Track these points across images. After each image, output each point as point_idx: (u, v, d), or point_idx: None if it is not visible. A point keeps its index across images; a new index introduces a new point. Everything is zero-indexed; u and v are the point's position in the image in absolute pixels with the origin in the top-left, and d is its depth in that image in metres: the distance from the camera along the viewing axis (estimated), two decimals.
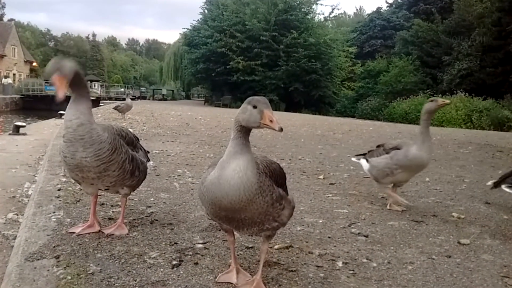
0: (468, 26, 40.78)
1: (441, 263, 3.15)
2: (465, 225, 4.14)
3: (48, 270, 2.60)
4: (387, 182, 4.61)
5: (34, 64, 74.92)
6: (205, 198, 2.34)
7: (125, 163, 3.13)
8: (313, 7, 48.88)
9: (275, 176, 2.47)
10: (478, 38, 38.27)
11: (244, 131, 2.22)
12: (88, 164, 2.96)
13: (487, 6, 38.52)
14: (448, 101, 4.58)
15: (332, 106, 49.22)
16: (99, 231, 3.28)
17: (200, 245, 3.16)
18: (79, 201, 4.13)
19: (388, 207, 4.61)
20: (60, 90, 2.75)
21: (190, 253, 3.00)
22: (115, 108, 15.79)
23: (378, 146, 4.90)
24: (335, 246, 3.37)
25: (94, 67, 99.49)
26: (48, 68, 2.80)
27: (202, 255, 2.98)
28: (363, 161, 4.99)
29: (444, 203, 5.00)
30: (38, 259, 2.75)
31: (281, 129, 2.12)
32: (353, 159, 5.32)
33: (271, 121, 2.13)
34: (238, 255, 3.03)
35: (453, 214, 4.39)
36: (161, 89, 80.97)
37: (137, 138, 3.62)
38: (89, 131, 2.92)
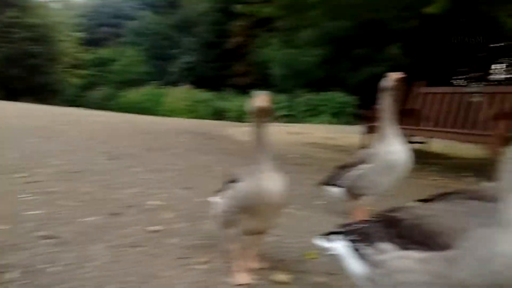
0: (193, 22, 44.21)
1: (127, 254, 3.18)
2: (160, 211, 4.32)
3: None
4: None
5: None
6: None
7: None
8: None
9: None
10: (200, 34, 42.05)
11: None
12: None
13: (208, 6, 42.68)
14: None
15: (57, 95, 45.76)
16: None
17: None
18: None
19: None
20: None
21: None
22: None
23: None
24: (14, 254, 3.00)
25: None
26: None
27: None
28: None
29: (148, 192, 5.11)
30: None
31: None
32: None
33: None
34: None
35: (150, 202, 4.54)
36: None
37: None
38: None
